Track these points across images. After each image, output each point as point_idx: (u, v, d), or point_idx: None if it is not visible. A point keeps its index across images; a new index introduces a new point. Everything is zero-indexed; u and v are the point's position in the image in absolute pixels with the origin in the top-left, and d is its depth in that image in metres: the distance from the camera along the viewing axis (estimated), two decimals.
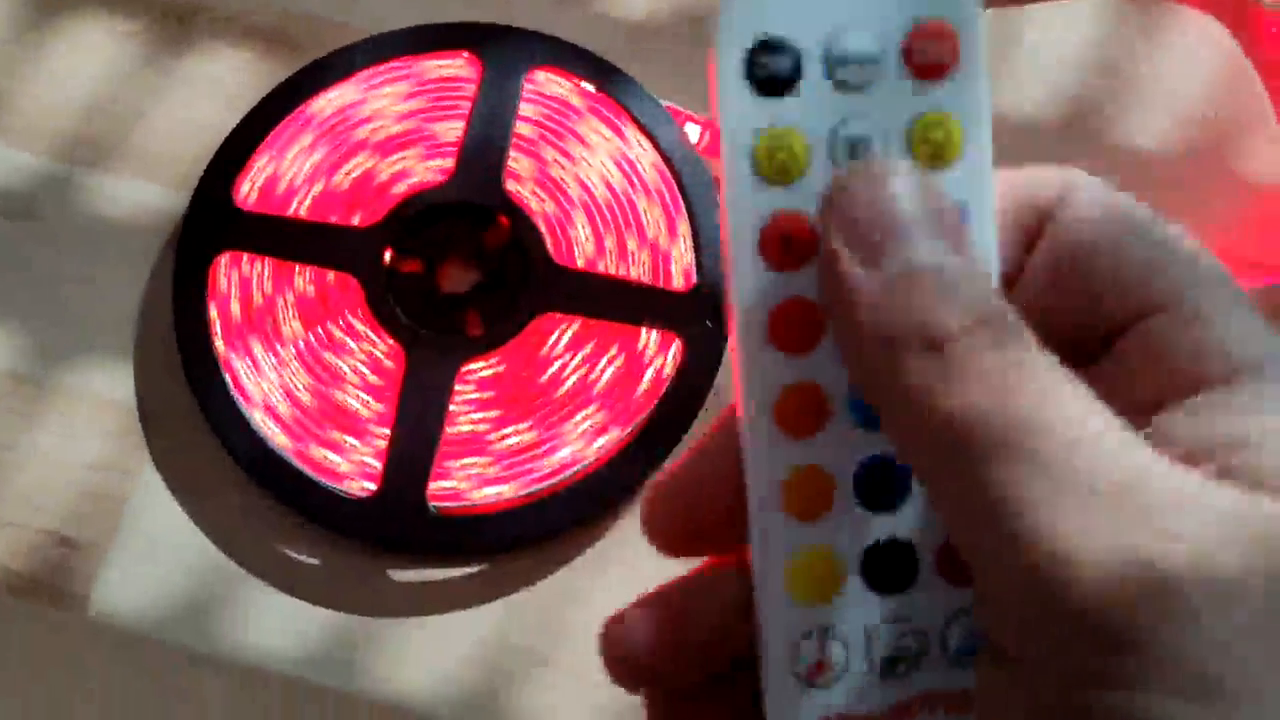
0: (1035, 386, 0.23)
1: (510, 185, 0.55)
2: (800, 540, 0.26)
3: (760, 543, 0.26)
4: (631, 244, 0.54)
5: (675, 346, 0.53)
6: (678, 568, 0.52)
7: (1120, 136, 0.58)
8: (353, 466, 0.52)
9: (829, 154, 0.25)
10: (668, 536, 0.28)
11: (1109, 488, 0.22)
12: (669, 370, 0.53)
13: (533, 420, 0.53)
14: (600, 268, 0.54)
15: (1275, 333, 0.26)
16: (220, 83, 0.59)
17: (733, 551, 0.27)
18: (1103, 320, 0.26)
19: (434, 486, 0.52)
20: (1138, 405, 0.25)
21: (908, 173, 0.24)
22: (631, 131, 0.56)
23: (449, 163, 0.55)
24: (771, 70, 0.24)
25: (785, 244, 0.25)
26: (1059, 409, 0.23)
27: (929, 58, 0.24)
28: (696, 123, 0.57)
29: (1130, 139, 0.58)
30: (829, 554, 0.26)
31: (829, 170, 0.25)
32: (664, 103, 0.56)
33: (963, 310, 0.23)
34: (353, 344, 0.54)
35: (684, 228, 0.55)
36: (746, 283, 0.25)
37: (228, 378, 0.53)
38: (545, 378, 0.53)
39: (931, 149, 0.25)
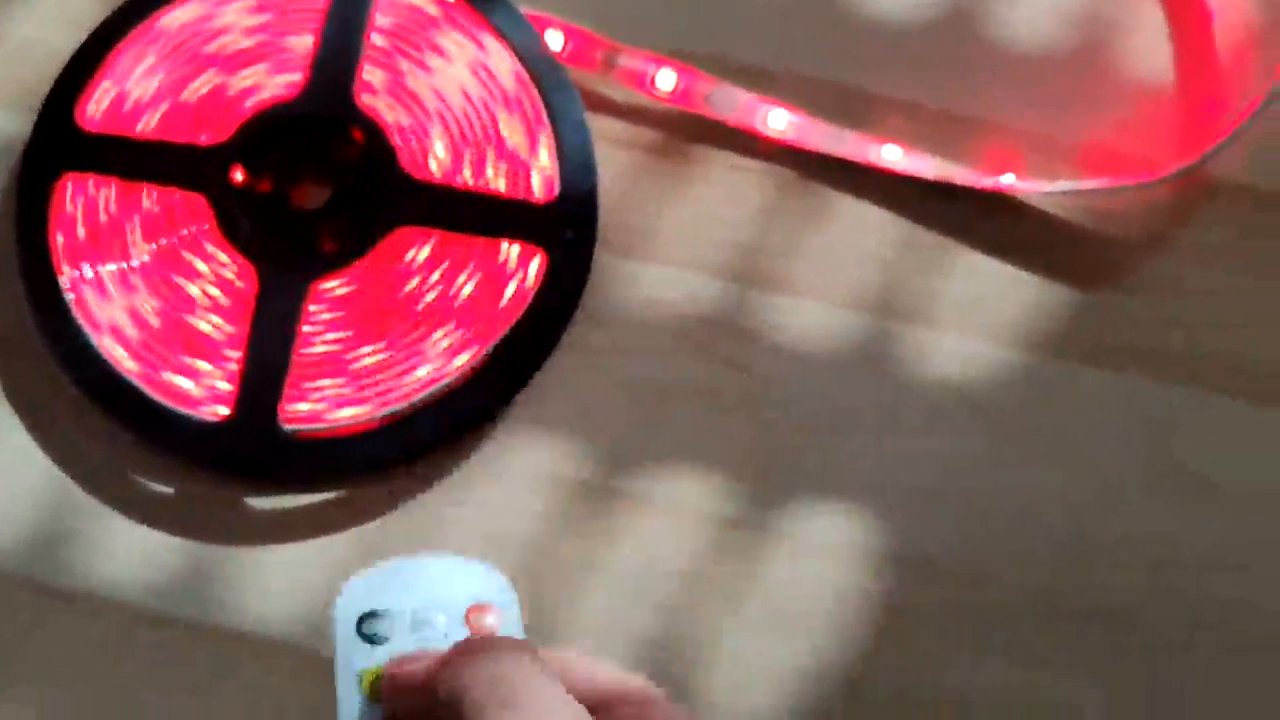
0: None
1: (363, 98, 0.53)
2: None
3: None
4: (490, 155, 0.53)
5: (537, 259, 0.52)
6: (536, 491, 0.51)
7: (1005, 36, 0.56)
8: (204, 391, 0.50)
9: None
10: None
11: None
12: (531, 284, 0.51)
13: (390, 338, 0.51)
14: (458, 181, 0.52)
15: None
16: (64, 4, 0.56)
17: None
18: None
19: (289, 409, 0.50)
20: None
21: None
22: (489, 40, 0.54)
23: (300, 76, 0.53)
24: (376, 631, 0.38)
25: None
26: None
27: (479, 624, 0.38)
28: (559, 29, 0.55)
29: (1015, 38, 0.56)
30: None
31: None
32: (523, 9, 0.54)
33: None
34: (202, 265, 0.52)
35: (545, 138, 0.53)
36: None
37: (72, 303, 0.51)
38: (402, 294, 0.51)
39: None
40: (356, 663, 0.37)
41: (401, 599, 0.38)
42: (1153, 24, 0.57)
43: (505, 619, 0.38)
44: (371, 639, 0.38)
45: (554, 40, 0.54)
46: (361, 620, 0.38)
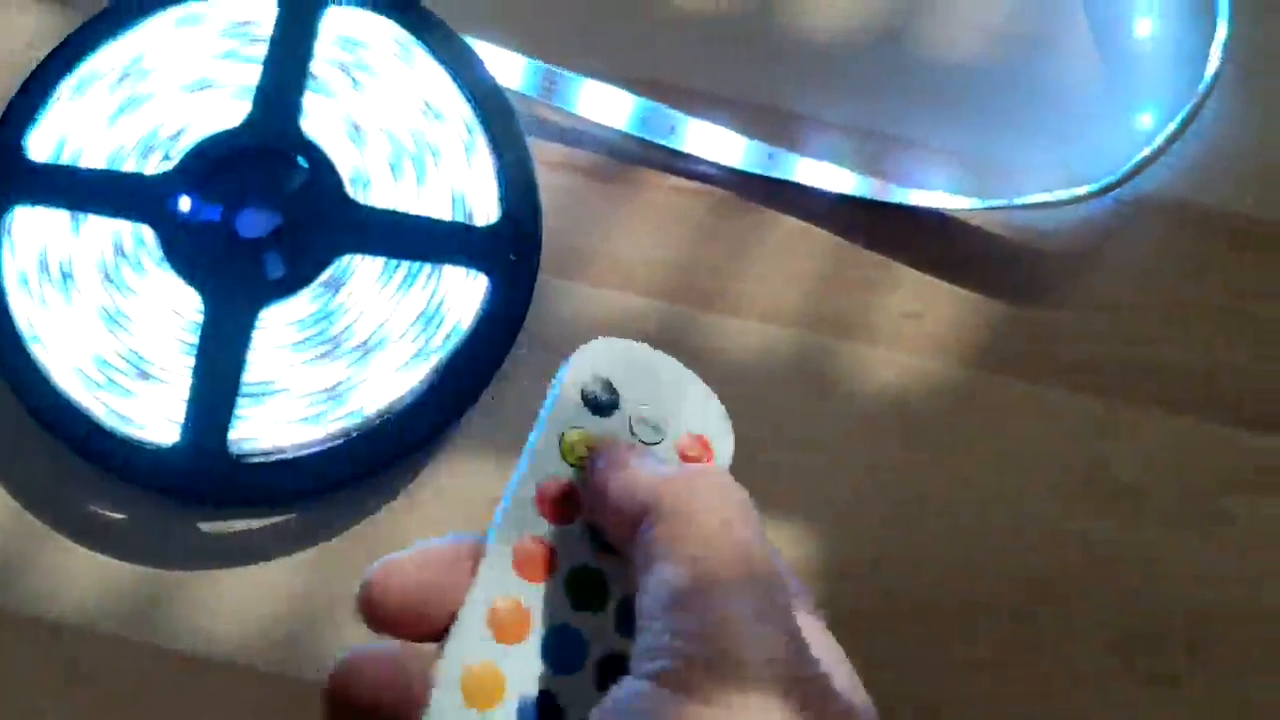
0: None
1: (308, 125, 0.54)
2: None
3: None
4: (432, 181, 0.54)
5: (481, 282, 0.53)
6: (486, 512, 0.52)
7: (933, 55, 0.58)
8: (153, 416, 0.51)
9: None
10: (383, 613, 0.34)
11: None
12: (475, 306, 0.52)
13: (337, 361, 0.52)
14: (401, 206, 0.53)
15: None
16: (9, 33, 0.57)
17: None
18: None
19: (237, 433, 0.51)
20: None
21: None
22: (430, 66, 0.55)
23: (245, 105, 0.54)
24: (601, 401, 0.36)
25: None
26: None
27: (692, 453, 0.36)
28: (499, 54, 0.56)
29: (944, 57, 0.58)
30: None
31: None
32: (464, 35, 0.55)
33: None
34: (151, 293, 0.52)
35: (486, 163, 0.54)
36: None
37: (22, 331, 0.52)
38: (348, 318, 0.52)
39: None
40: (572, 420, 0.36)
41: (638, 388, 0.36)
42: (1079, 39, 0.58)
43: (716, 456, 0.36)
44: (596, 406, 0.36)
45: (494, 65, 0.55)
46: (590, 389, 0.36)
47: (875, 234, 0.55)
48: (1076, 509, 0.52)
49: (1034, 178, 0.56)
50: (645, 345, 0.37)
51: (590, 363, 0.36)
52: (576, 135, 0.56)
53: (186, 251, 0.53)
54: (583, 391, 0.36)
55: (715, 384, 0.53)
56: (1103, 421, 0.53)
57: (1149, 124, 0.56)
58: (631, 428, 0.36)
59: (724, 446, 0.36)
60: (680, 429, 0.36)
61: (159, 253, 0.53)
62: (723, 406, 0.37)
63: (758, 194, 0.56)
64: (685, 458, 0.36)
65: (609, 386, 0.36)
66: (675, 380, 0.37)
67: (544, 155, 0.56)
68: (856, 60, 0.58)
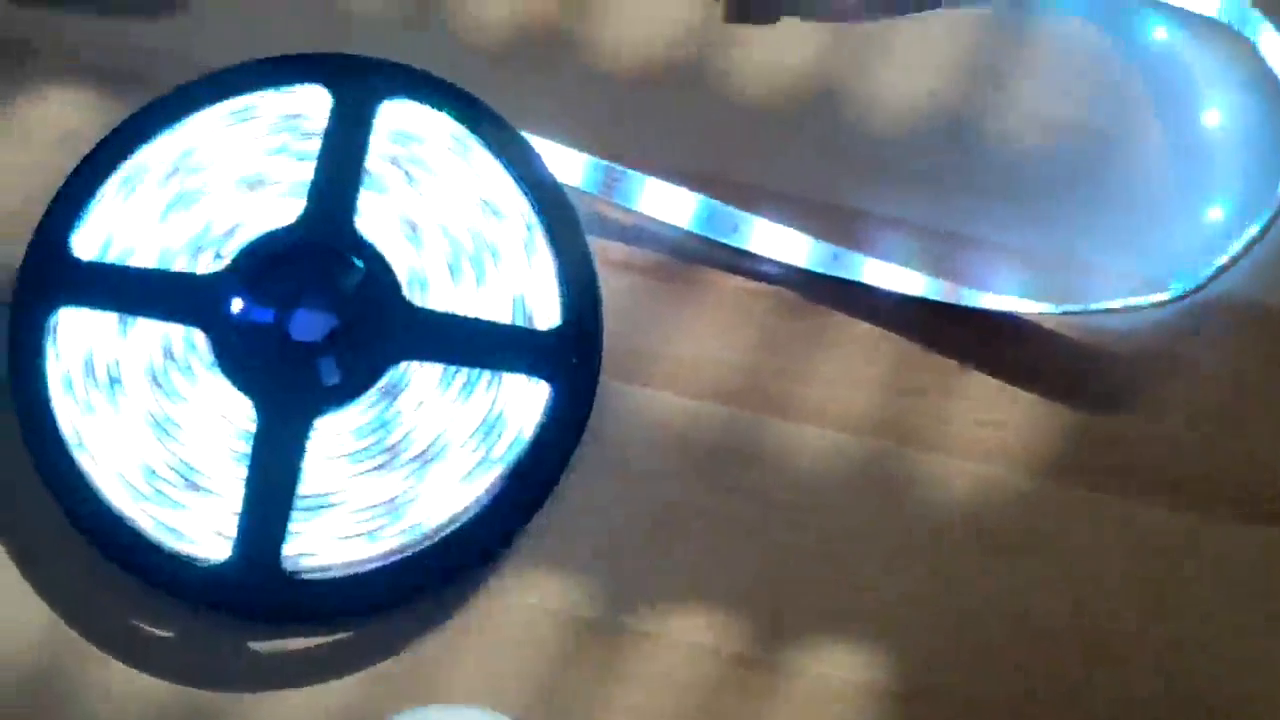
0: None
1: (363, 224, 0.52)
2: None
3: None
4: (492, 281, 0.52)
5: (542, 389, 0.51)
6: (548, 629, 0.50)
7: (1005, 152, 0.56)
8: (204, 530, 0.49)
9: None
10: None
11: None
12: (536, 414, 0.51)
13: (394, 472, 0.50)
14: (460, 309, 0.51)
15: None
16: (54, 125, 0.56)
17: None
18: None
19: (291, 548, 0.49)
20: None
21: None
22: (490, 164, 0.53)
23: (298, 203, 0.52)
24: None
25: None
26: None
27: None
28: (560, 151, 0.54)
29: (1015, 154, 0.56)
30: None
31: None
32: (527, 133, 0.54)
33: None
34: (201, 399, 0.51)
35: (547, 262, 0.52)
36: None
37: (66, 437, 0.50)
38: (406, 427, 0.50)
39: None
40: None
41: None
42: (1146, 131, 0.57)
43: None
44: None
45: (552, 161, 0.54)
46: None
47: (945, 337, 0.54)
48: (1152, 625, 0.51)
49: (1105, 277, 0.54)
50: (406, 713, 0.36)
51: None
52: (637, 233, 0.55)
53: (238, 356, 0.51)
54: None
55: (782, 490, 0.52)
56: (1182, 534, 0.52)
57: (1220, 218, 0.55)
58: None
59: None
60: None
61: (210, 357, 0.51)
62: None
63: (824, 295, 0.54)
64: None
65: None
66: None
67: (604, 254, 0.54)
68: (923, 156, 0.56)
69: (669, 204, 0.54)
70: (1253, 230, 0.53)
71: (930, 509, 0.52)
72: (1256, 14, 0.56)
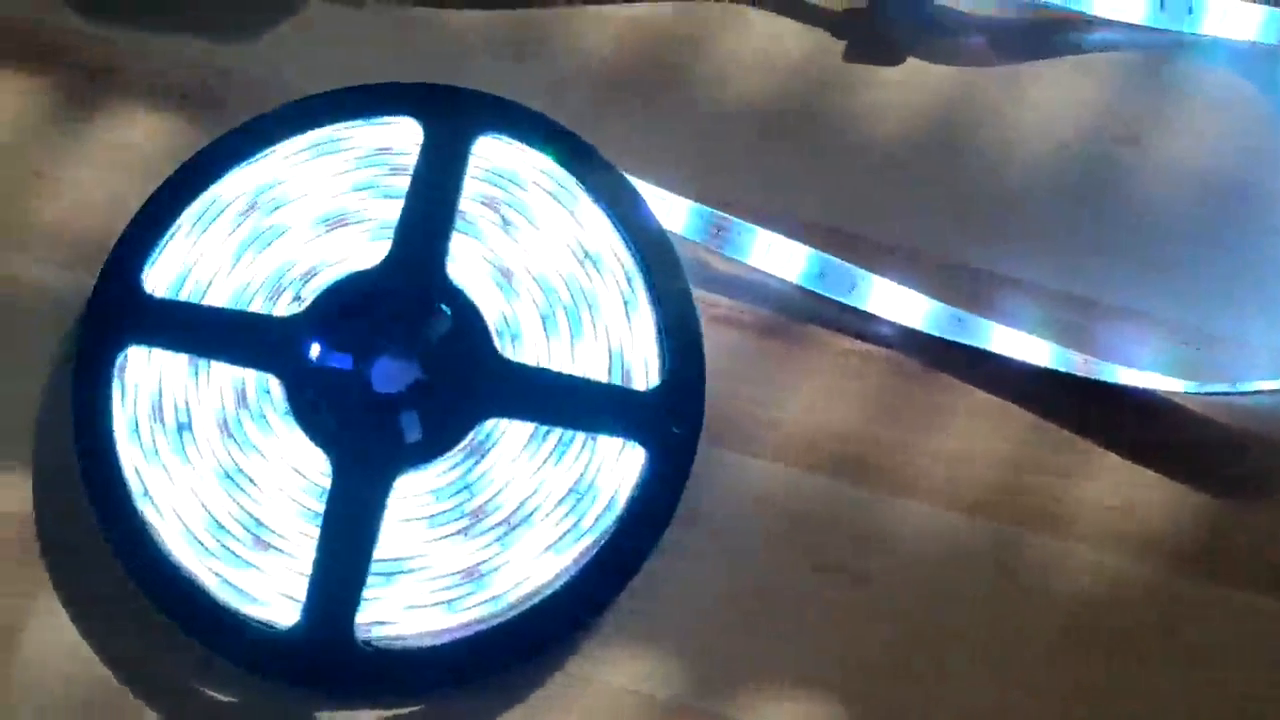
0: None
1: (453, 269, 0.49)
2: None
3: None
4: (588, 336, 0.48)
5: (637, 454, 0.47)
6: (635, 712, 0.46)
7: (1143, 217, 0.52)
8: (272, 591, 0.46)
9: None
10: None
11: None
12: (630, 481, 0.47)
13: (477, 538, 0.46)
14: (553, 365, 0.48)
15: None
16: (131, 149, 0.53)
17: None
18: None
19: (364, 615, 0.46)
20: None
21: None
22: (590, 209, 0.50)
23: (384, 244, 0.49)
24: None
25: None
26: None
27: None
28: (667, 197, 0.51)
29: (1154, 219, 0.52)
30: None
31: None
32: (630, 176, 0.50)
33: None
34: (274, 451, 0.47)
35: (648, 318, 0.49)
36: None
37: (130, 484, 0.47)
38: (491, 490, 0.47)
39: None
40: None
41: None
42: None
43: None
44: None
45: (657, 208, 0.50)
46: None
47: (1076, 414, 0.49)
48: None
49: (1249, 353, 0.50)
50: None
51: None
52: (745, 288, 0.51)
53: (315, 405, 0.47)
54: None
55: (885, 569, 0.48)
56: None
57: None
58: None
59: None
60: None
61: (285, 405, 0.47)
62: None
63: (944, 361, 0.50)
64: None
65: None
66: None
67: (709, 309, 0.50)
68: (1054, 214, 0.52)
69: (780, 257, 0.51)
70: None
71: (1053, 603, 0.48)
72: None
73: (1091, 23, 0.55)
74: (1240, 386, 0.48)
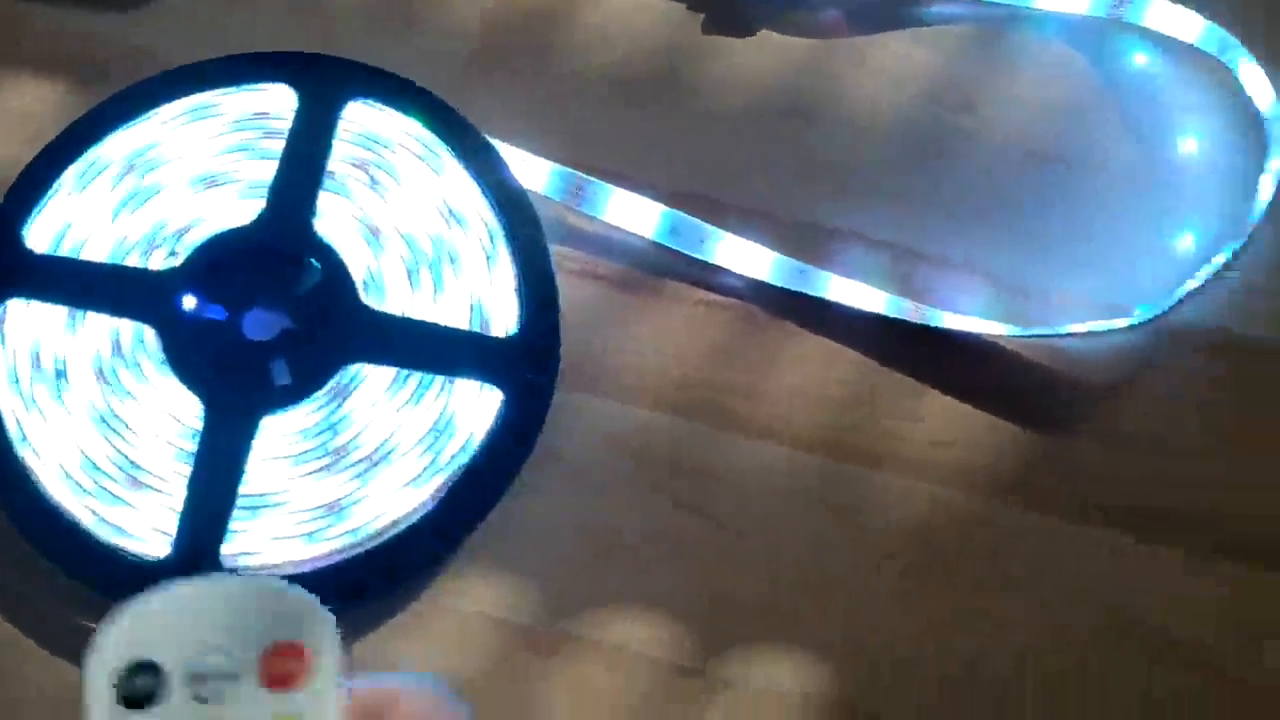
0: None
1: (322, 226, 0.52)
2: None
3: None
4: (450, 289, 0.51)
5: (495, 396, 0.50)
6: (491, 636, 0.49)
7: (974, 177, 0.56)
8: (146, 527, 0.49)
9: None
10: None
11: None
12: (487, 421, 0.50)
13: (339, 474, 0.49)
14: (416, 314, 0.51)
15: None
16: (18, 115, 0.55)
17: None
18: None
19: (231, 547, 0.48)
20: None
21: None
22: (456, 169, 0.53)
23: (258, 203, 0.52)
24: (137, 689, 0.28)
25: None
26: None
27: (281, 672, 0.29)
28: (528, 158, 0.54)
29: (984, 179, 0.56)
30: None
31: None
32: (496, 141, 0.53)
33: None
34: (149, 396, 0.50)
35: (508, 272, 0.52)
36: None
37: (9, 430, 0.49)
38: (353, 429, 0.50)
39: None
40: None
41: (179, 644, 0.29)
42: (1122, 159, 0.56)
43: (319, 663, 0.29)
44: (135, 700, 0.29)
45: (519, 169, 0.53)
46: (122, 678, 0.29)
47: (907, 357, 0.53)
48: (1106, 654, 0.50)
49: (1070, 302, 0.54)
50: (190, 581, 0.30)
51: (116, 651, 0.29)
52: (602, 243, 0.54)
53: (188, 353, 0.50)
54: (114, 689, 0.29)
55: (732, 505, 0.51)
56: (1137, 562, 0.51)
57: (1190, 248, 0.54)
58: (195, 695, 0.29)
59: (324, 643, 0.29)
60: (254, 650, 0.29)
61: (160, 354, 0.50)
62: (313, 600, 0.30)
63: (788, 311, 0.53)
64: (275, 678, 0.29)
65: (143, 668, 0.29)
66: (243, 598, 0.30)
67: (567, 263, 0.53)
68: (893, 175, 0.55)
69: (635, 214, 0.54)
70: (1219, 259, 0.52)
71: (884, 530, 0.51)
72: (1236, 43, 0.55)
73: None
74: (1056, 330, 0.52)
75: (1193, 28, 0.56)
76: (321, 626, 0.29)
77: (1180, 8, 0.56)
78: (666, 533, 0.51)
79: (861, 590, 0.50)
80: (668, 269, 0.54)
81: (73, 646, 0.48)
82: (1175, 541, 0.51)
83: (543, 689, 0.49)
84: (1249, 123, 0.56)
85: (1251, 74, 0.55)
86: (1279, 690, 0.49)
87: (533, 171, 0.54)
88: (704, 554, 0.51)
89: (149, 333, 0.50)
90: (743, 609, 0.50)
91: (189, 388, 0.50)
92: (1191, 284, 0.52)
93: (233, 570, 0.48)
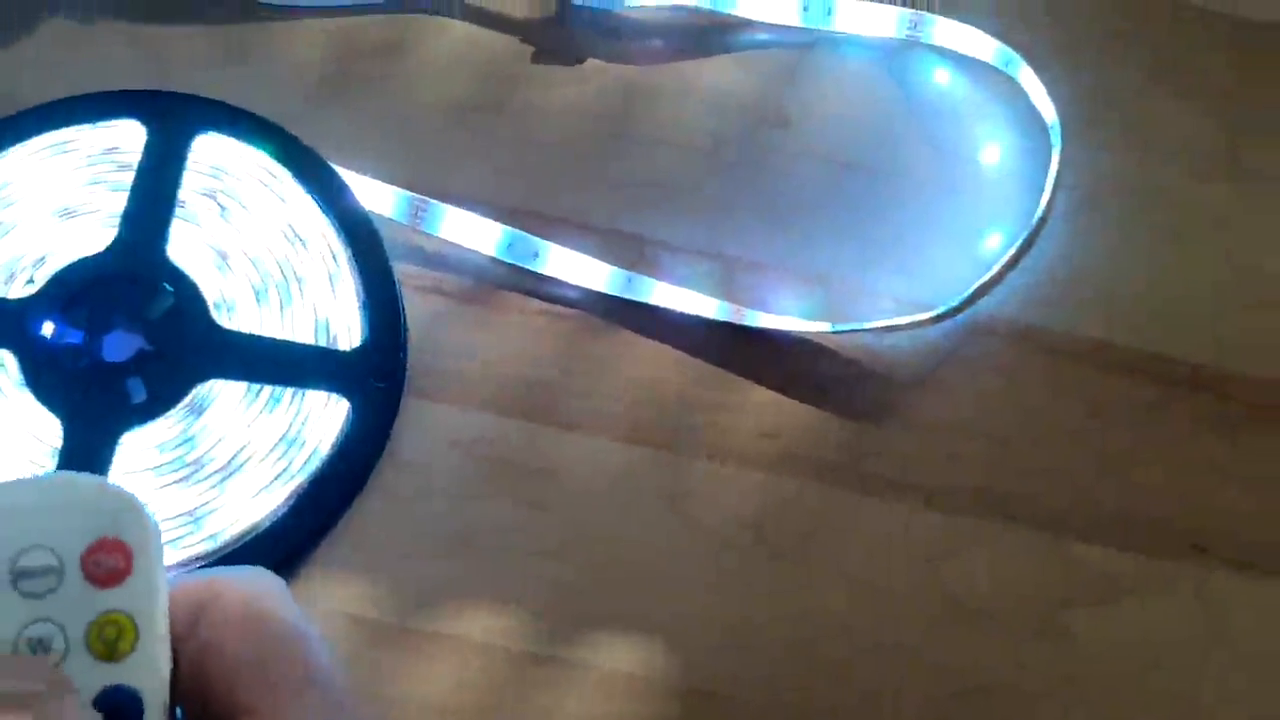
0: None
1: (175, 253, 0.55)
2: None
3: None
4: (297, 306, 0.55)
5: (342, 406, 0.53)
6: (342, 637, 0.52)
7: (781, 185, 0.60)
8: None
9: (14, 652, 0.29)
10: None
11: None
12: (335, 430, 0.53)
13: (197, 485, 0.52)
14: (265, 331, 0.54)
15: None
16: None
17: None
18: (218, 716, 0.29)
19: None
20: None
21: None
22: (299, 195, 0.56)
23: (111, 231, 0.55)
24: None
25: None
26: None
27: (103, 569, 0.29)
28: (370, 183, 0.57)
29: (791, 186, 0.60)
30: None
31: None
32: (340, 168, 0.57)
33: None
34: (8, 418, 0.52)
35: (351, 289, 0.55)
36: None
37: None
38: (209, 442, 0.53)
39: (106, 645, 0.29)
40: None
41: (15, 534, 0.29)
42: (926, 168, 0.61)
43: (142, 560, 0.29)
44: None
45: (364, 193, 0.57)
46: None
47: (731, 356, 0.57)
48: (924, 628, 0.54)
49: (881, 301, 0.58)
50: (9, 481, 0.30)
51: None
52: (445, 261, 0.58)
53: (48, 376, 0.53)
54: None
55: (573, 500, 0.55)
56: (949, 540, 0.55)
57: (993, 246, 0.59)
58: (20, 591, 0.29)
59: (140, 537, 0.29)
60: (76, 548, 0.29)
61: (19, 377, 0.53)
62: (132, 496, 0.30)
63: (619, 317, 0.57)
64: (98, 576, 0.29)
65: None
66: (64, 492, 0.29)
67: (412, 280, 0.57)
68: (716, 190, 0.60)
69: (473, 232, 0.57)
70: (1011, 252, 0.57)
71: (714, 518, 0.55)
72: (1019, 57, 0.60)
73: (750, 24, 0.63)
74: (865, 325, 0.56)
75: (982, 45, 0.61)
76: (142, 522, 0.29)
77: (969, 26, 0.61)
78: (511, 528, 0.54)
79: (697, 573, 0.54)
80: (507, 282, 0.58)
81: None
82: (978, 514, 0.55)
83: (394, 679, 0.52)
84: (1039, 129, 0.61)
85: (1033, 85, 0.60)
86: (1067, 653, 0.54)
87: (376, 195, 0.57)
88: (547, 546, 0.54)
89: (8, 358, 0.53)
90: (587, 596, 0.54)
91: (49, 408, 0.52)
92: (985, 277, 0.57)
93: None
